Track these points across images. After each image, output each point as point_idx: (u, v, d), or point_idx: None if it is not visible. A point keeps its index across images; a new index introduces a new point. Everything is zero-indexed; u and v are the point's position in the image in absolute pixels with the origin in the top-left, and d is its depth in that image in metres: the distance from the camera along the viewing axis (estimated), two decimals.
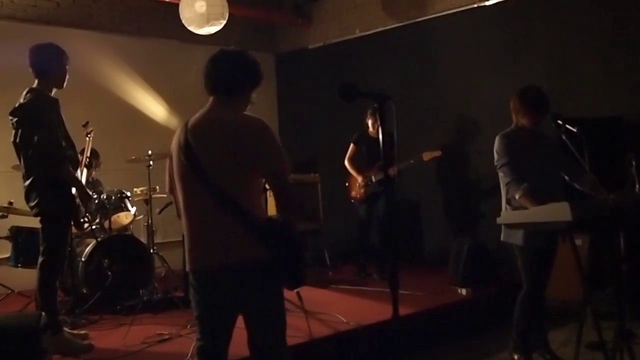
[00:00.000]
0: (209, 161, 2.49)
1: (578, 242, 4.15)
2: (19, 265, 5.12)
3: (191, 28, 5.97)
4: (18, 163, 4.01)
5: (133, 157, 5.64)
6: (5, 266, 5.31)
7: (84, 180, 4.18)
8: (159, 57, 7.41)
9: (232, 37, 7.09)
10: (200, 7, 5.75)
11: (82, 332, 4.32)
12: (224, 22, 5.95)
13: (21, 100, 3.89)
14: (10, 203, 5.18)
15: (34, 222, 4.05)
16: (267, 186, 2.74)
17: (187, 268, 2.64)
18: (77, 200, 3.98)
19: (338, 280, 6.21)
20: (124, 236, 5.51)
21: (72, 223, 4.08)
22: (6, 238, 5.22)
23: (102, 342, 4.18)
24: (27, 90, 3.92)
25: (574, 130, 3.63)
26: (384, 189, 5.97)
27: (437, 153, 6.03)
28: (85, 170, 4.46)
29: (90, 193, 4.23)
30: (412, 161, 5.98)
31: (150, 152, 5.47)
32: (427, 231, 7.13)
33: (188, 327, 4.31)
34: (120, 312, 4.92)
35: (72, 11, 6.85)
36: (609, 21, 5.66)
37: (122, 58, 7.05)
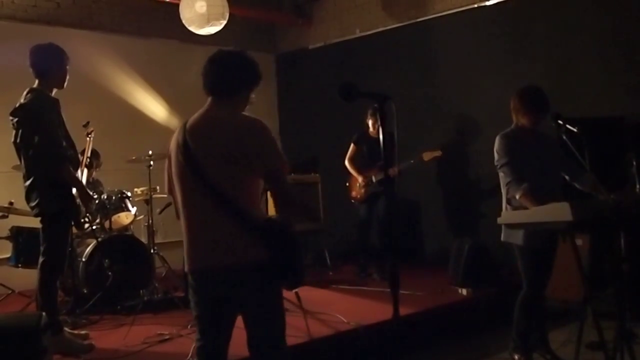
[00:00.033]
0: (207, 161, 2.48)
1: (578, 242, 4.16)
2: (20, 265, 5.12)
3: (191, 28, 5.97)
4: (18, 163, 4.01)
5: (133, 157, 5.64)
6: (5, 266, 5.32)
7: (84, 181, 4.19)
8: (159, 57, 7.41)
9: (232, 38, 7.08)
10: (201, 7, 5.75)
11: (83, 332, 4.32)
12: (224, 22, 5.95)
13: (22, 101, 3.89)
14: (11, 203, 5.18)
15: (35, 222, 4.05)
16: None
17: (186, 268, 2.64)
18: (78, 200, 3.98)
19: (338, 280, 6.21)
20: (124, 236, 5.51)
21: (73, 223, 4.09)
22: (7, 238, 5.22)
23: (103, 342, 4.19)
24: (27, 90, 3.92)
25: (575, 130, 3.62)
26: (384, 189, 5.97)
27: (437, 153, 6.03)
28: (85, 171, 4.46)
29: (91, 193, 4.23)
30: (412, 161, 5.99)
31: (150, 152, 5.47)
32: (427, 231, 7.13)
33: (188, 327, 4.31)
34: (120, 312, 4.93)
35: (73, 11, 6.85)
36: (609, 21, 5.65)
37: (122, 58, 7.05)
